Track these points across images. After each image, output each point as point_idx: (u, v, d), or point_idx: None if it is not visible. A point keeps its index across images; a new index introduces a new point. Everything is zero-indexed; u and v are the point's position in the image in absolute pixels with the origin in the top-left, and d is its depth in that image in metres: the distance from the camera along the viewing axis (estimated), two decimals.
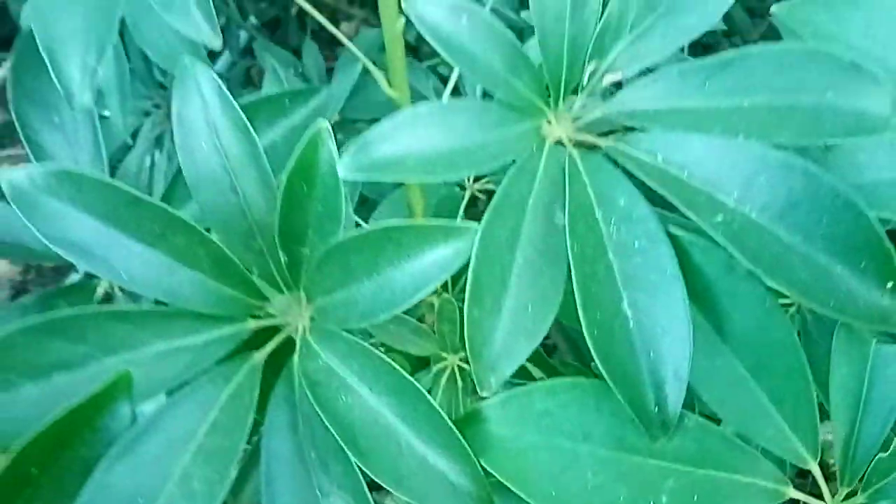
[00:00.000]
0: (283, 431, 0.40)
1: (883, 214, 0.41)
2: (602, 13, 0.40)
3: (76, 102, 0.40)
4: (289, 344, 0.43)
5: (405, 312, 0.44)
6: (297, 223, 0.40)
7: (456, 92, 0.68)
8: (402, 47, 0.56)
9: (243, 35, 1.23)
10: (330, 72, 1.07)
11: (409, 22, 0.51)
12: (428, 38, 0.37)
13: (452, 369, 0.59)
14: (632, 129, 0.40)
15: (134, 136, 0.94)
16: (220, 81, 0.40)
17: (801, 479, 0.39)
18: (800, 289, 0.35)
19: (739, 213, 0.36)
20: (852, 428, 0.37)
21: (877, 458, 0.36)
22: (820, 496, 0.38)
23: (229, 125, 0.40)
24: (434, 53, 1.19)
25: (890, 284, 0.35)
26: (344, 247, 0.39)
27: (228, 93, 0.40)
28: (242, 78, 1.24)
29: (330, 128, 0.38)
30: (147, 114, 0.96)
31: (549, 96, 0.41)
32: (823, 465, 0.38)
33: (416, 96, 0.86)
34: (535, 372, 0.62)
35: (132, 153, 0.90)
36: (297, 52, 1.10)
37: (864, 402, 0.37)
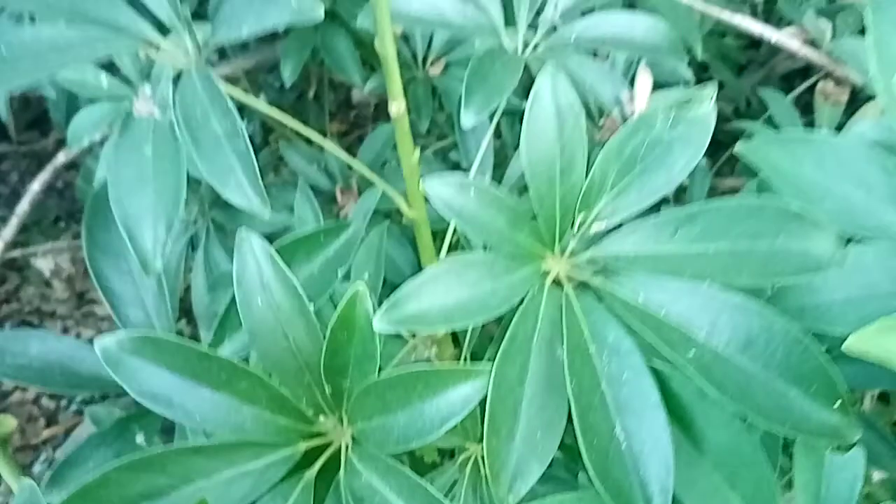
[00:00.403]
0: None
1: (836, 332, 0.49)
2: (587, 173, 0.48)
3: (150, 269, 0.48)
4: (333, 459, 0.50)
5: None
6: (339, 362, 0.48)
7: None
8: (418, 174, 0.64)
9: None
10: (345, 136, 1.15)
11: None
12: (442, 211, 0.45)
13: (475, 459, 0.66)
14: (616, 270, 0.48)
15: None
16: (270, 248, 0.48)
17: None
18: (761, 412, 0.42)
19: (708, 348, 0.43)
20: None
21: None
22: None
23: (280, 285, 0.48)
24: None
25: (837, 405, 0.42)
26: (381, 384, 0.46)
27: (278, 256, 0.48)
28: (266, 161, 1.33)
29: (366, 288, 0.45)
30: None
31: (546, 244, 0.49)
32: None
33: None
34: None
35: (171, 251, 0.98)
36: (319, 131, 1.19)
37: (823, 503, 0.44)
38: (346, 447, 0.49)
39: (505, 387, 0.44)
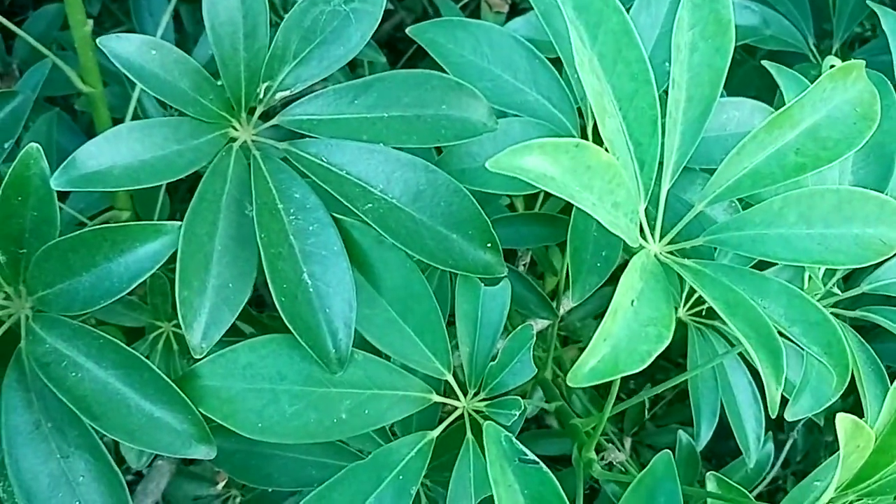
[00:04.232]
0: (18, 409, 0.46)
1: (488, 188, 0.57)
2: (270, 44, 0.50)
3: None
4: (13, 333, 0.48)
5: None
6: (13, 228, 0.45)
7: None
8: (91, 46, 0.61)
9: None
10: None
11: None
12: (123, 70, 0.44)
13: (167, 336, 0.67)
14: (302, 135, 0.51)
15: None
16: None
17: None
18: (428, 253, 0.49)
19: (384, 201, 0.49)
20: (473, 347, 0.52)
21: (489, 366, 0.52)
22: (456, 398, 0.53)
23: None
24: None
25: (489, 245, 0.50)
26: (62, 246, 0.45)
27: None
28: None
29: (41, 149, 0.43)
30: None
31: (233, 110, 0.50)
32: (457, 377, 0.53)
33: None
34: (246, 328, 0.71)
35: None
36: None
37: (479, 328, 0.52)
38: (27, 318, 0.48)
39: (195, 242, 0.46)
